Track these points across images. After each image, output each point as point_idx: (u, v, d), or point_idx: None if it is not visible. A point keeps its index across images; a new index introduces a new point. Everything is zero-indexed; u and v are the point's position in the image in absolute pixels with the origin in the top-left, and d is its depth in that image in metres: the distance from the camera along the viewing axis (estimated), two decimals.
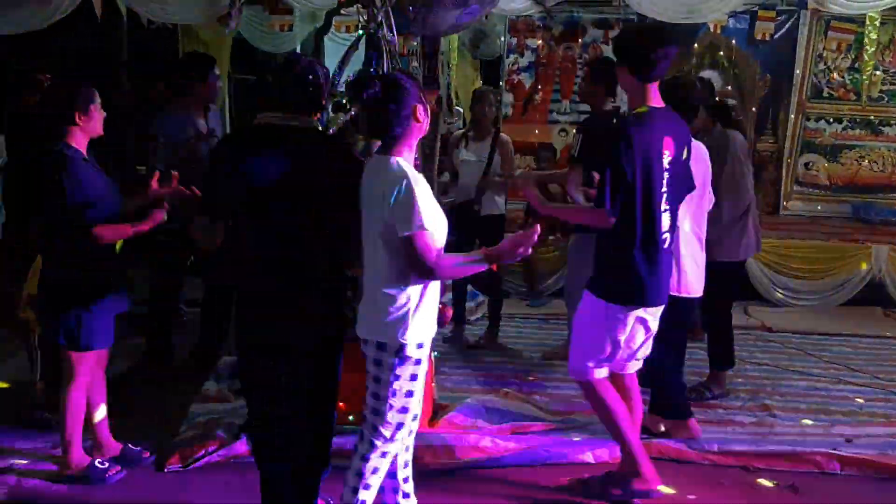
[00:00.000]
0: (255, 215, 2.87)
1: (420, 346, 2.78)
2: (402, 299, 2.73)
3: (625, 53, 3.29)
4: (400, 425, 2.84)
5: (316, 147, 2.96)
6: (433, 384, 4.24)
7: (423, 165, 4.46)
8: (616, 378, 3.52)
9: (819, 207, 7.77)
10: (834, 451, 3.90)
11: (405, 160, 2.75)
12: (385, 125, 2.74)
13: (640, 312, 3.33)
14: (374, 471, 2.87)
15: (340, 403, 3.83)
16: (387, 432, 2.83)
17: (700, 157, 3.86)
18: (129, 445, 3.80)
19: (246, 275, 2.94)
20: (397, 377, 2.78)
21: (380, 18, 3.85)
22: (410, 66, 4.84)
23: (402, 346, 2.74)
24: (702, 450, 3.91)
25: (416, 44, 4.90)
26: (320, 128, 3.11)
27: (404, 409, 2.82)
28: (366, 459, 2.86)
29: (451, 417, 4.09)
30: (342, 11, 4.17)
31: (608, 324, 3.33)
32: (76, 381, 3.52)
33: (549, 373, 5.04)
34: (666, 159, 3.22)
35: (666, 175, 3.22)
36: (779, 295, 6.73)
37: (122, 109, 6.59)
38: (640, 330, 3.39)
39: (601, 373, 3.44)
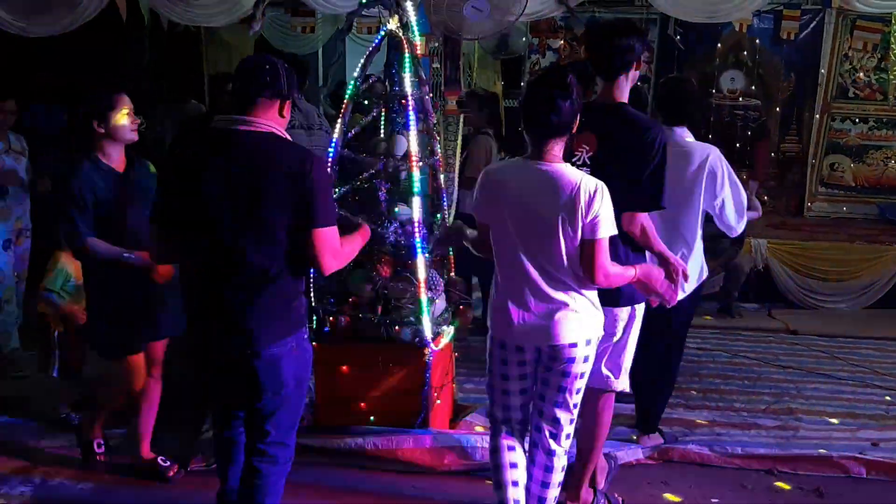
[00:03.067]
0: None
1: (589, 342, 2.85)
2: (584, 301, 2.79)
3: (630, 53, 3.21)
4: (572, 422, 2.93)
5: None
6: (454, 385, 4.24)
7: (446, 166, 4.47)
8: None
9: (844, 209, 7.69)
10: (860, 455, 3.85)
11: None
12: (569, 126, 2.75)
13: None
14: (563, 469, 2.95)
15: (361, 403, 3.88)
16: (568, 434, 2.93)
17: (686, 161, 3.74)
18: (160, 459, 3.73)
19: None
20: (582, 376, 2.86)
21: (404, 20, 3.85)
22: (432, 66, 4.85)
23: (587, 344, 2.82)
24: (725, 454, 3.87)
25: (437, 45, 4.90)
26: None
27: (577, 406, 2.91)
28: (551, 469, 2.92)
29: (473, 419, 4.09)
30: (364, 13, 4.16)
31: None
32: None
33: None
34: (583, 154, 3.10)
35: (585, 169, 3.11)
36: (803, 297, 6.66)
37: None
38: None
39: None
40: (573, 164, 3.01)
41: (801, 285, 6.67)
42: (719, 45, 7.72)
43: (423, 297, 3.79)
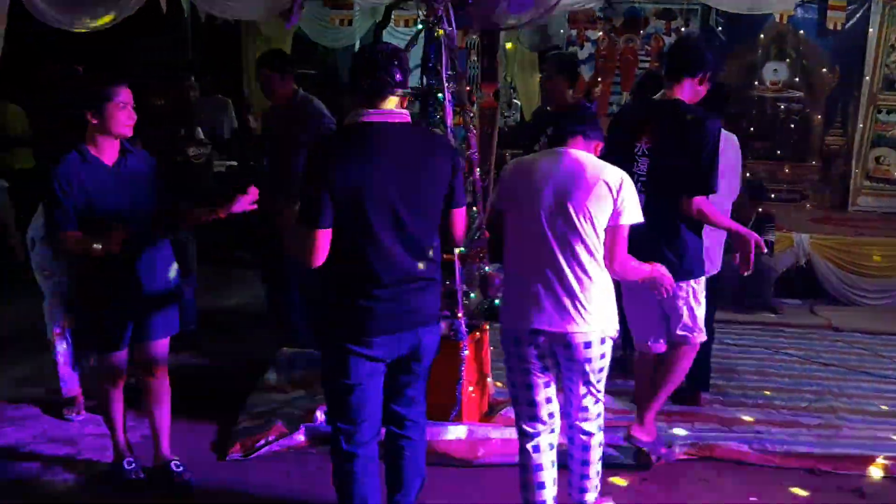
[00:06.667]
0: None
1: None
2: (611, 289, 2.89)
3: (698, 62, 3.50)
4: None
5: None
6: (489, 380, 4.23)
7: (482, 158, 4.46)
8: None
9: (890, 203, 7.52)
10: None
11: None
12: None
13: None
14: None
15: None
16: (602, 411, 3.03)
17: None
18: (175, 463, 3.54)
19: None
20: (609, 363, 2.96)
21: (439, 13, 3.84)
22: (469, 60, 4.84)
23: (617, 332, 2.93)
24: (765, 451, 3.82)
25: (475, 38, 4.89)
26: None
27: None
28: (588, 448, 3.02)
29: (508, 412, 4.07)
30: (402, 6, 4.16)
31: None
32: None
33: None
34: (642, 146, 3.45)
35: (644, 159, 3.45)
36: (846, 293, 6.52)
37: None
38: None
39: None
40: (634, 155, 3.41)
41: (844, 281, 6.53)
42: (762, 35, 7.59)
43: (459, 291, 3.79)
